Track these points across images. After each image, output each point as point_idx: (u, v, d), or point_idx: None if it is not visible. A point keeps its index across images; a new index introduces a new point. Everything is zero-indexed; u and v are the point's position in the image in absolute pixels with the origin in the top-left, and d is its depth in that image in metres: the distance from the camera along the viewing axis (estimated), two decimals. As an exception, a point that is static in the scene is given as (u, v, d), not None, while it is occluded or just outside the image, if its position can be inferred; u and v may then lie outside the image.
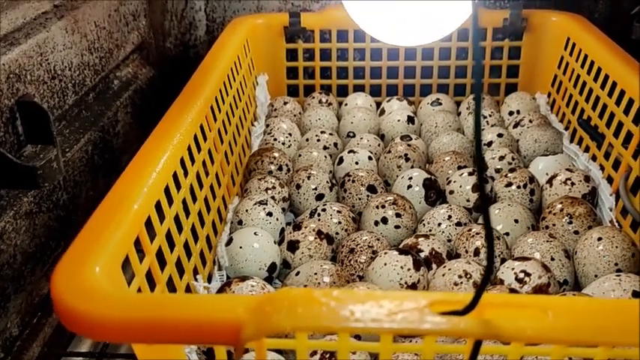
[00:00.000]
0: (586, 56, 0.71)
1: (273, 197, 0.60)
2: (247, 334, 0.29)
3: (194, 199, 0.51)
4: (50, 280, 0.32)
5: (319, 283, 0.49)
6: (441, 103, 0.80)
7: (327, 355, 0.41)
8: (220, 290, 0.48)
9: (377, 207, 0.58)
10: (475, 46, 0.27)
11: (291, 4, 0.85)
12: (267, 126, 0.74)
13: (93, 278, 0.33)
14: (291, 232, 0.56)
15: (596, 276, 0.52)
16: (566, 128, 0.73)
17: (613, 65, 0.64)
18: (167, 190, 0.46)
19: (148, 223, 0.41)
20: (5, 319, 0.50)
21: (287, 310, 0.29)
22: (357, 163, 0.67)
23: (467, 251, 0.54)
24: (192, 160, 0.52)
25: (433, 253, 0.53)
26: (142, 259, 0.40)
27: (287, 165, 0.67)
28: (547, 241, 0.53)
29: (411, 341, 0.44)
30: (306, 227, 0.56)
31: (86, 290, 0.32)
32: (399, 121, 0.76)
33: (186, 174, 0.50)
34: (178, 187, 0.48)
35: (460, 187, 0.62)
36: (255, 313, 0.29)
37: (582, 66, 0.71)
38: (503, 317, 0.29)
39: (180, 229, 0.47)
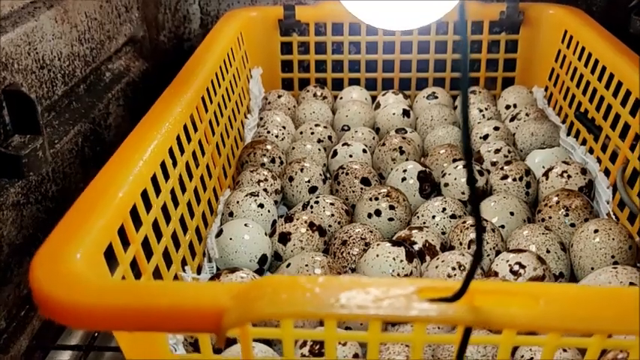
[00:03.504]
0: (583, 49, 0.70)
1: (265, 189, 0.60)
2: (229, 320, 0.28)
3: (183, 189, 0.50)
4: (30, 267, 0.31)
5: (310, 274, 0.48)
6: (437, 97, 0.79)
7: (317, 347, 0.41)
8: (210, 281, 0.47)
9: (370, 199, 0.57)
10: (463, 35, 0.26)
11: (286, -4, 0.85)
12: (261, 119, 0.73)
13: (73, 265, 0.32)
14: (282, 224, 0.55)
15: (592, 268, 0.51)
16: (564, 122, 0.72)
17: (611, 58, 0.64)
18: (154, 180, 0.45)
19: (134, 213, 0.41)
20: (-8, 311, 0.49)
21: (270, 296, 0.28)
22: (351, 156, 0.66)
23: (461, 243, 0.53)
24: (182, 151, 0.51)
25: (427, 245, 0.52)
26: (127, 249, 0.39)
27: (280, 157, 0.66)
28: (543, 234, 0.52)
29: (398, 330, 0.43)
30: (297, 219, 0.55)
31: (65, 277, 0.31)
32: (394, 114, 0.75)
33: (175, 164, 0.49)
34: (167, 176, 0.47)
35: (455, 179, 0.61)
36: (238, 300, 0.28)
37: (580, 59, 0.70)
38: (493, 304, 0.28)
39: (168, 219, 0.46)
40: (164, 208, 0.46)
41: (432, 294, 0.28)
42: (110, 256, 0.37)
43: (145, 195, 0.43)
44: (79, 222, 0.35)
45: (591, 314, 0.28)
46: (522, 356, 0.41)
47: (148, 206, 0.43)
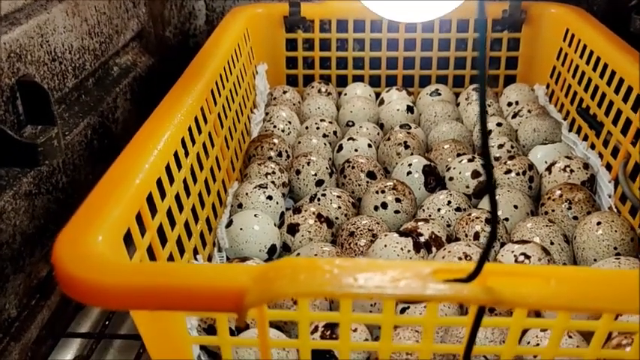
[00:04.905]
0: (585, 47, 0.71)
1: (273, 182, 0.60)
2: (250, 300, 0.29)
3: (194, 180, 0.51)
4: (52, 249, 0.32)
5: (319, 264, 0.49)
6: (440, 94, 0.80)
7: (328, 332, 0.41)
8: (220, 270, 0.48)
9: (377, 192, 0.58)
10: (481, 31, 0.27)
11: (291, -7, 0.85)
12: (267, 114, 0.74)
13: (95, 247, 0.33)
14: (291, 216, 0.56)
15: (595, 260, 0.52)
16: (565, 118, 0.73)
17: (612, 54, 0.65)
18: (168, 169, 0.46)
19: (150, 200, 0.41)
20: (4, 299, 0.50)
21: (290, 276, 0.29)
22: (356, 150, 0.67)
23: (467, 235, 0.54)
24: (193, 141, 0.52)
25: (433, 236, 0.53)
26: (143, 236, 0.40)
27: (287, 151, 0.67)
28: (546, 226, 0.53)
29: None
30: (306, 211, 0.56)
31: (88, 258, 0.32)
32: (398, 110, 0.76)
33: (187, 154, 0.50)
34: (179, 166, 0.48)
35: (459, 173, 0.62)
36: (258, 280, 0.29)
37: (581, 56, 0.71)
38: (506, 284, 0.29)
39: (180, 208, 0.47)
40: (177, 198, 0.46)
41: (447, 275, 0.29)
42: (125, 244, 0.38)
43: (159, 184, 0.43)
44: (99, 207, 0.36)
45: (598, 294, 0.29)
46: (529, 342, 0.42)
47: (163, 195, 0.44)
